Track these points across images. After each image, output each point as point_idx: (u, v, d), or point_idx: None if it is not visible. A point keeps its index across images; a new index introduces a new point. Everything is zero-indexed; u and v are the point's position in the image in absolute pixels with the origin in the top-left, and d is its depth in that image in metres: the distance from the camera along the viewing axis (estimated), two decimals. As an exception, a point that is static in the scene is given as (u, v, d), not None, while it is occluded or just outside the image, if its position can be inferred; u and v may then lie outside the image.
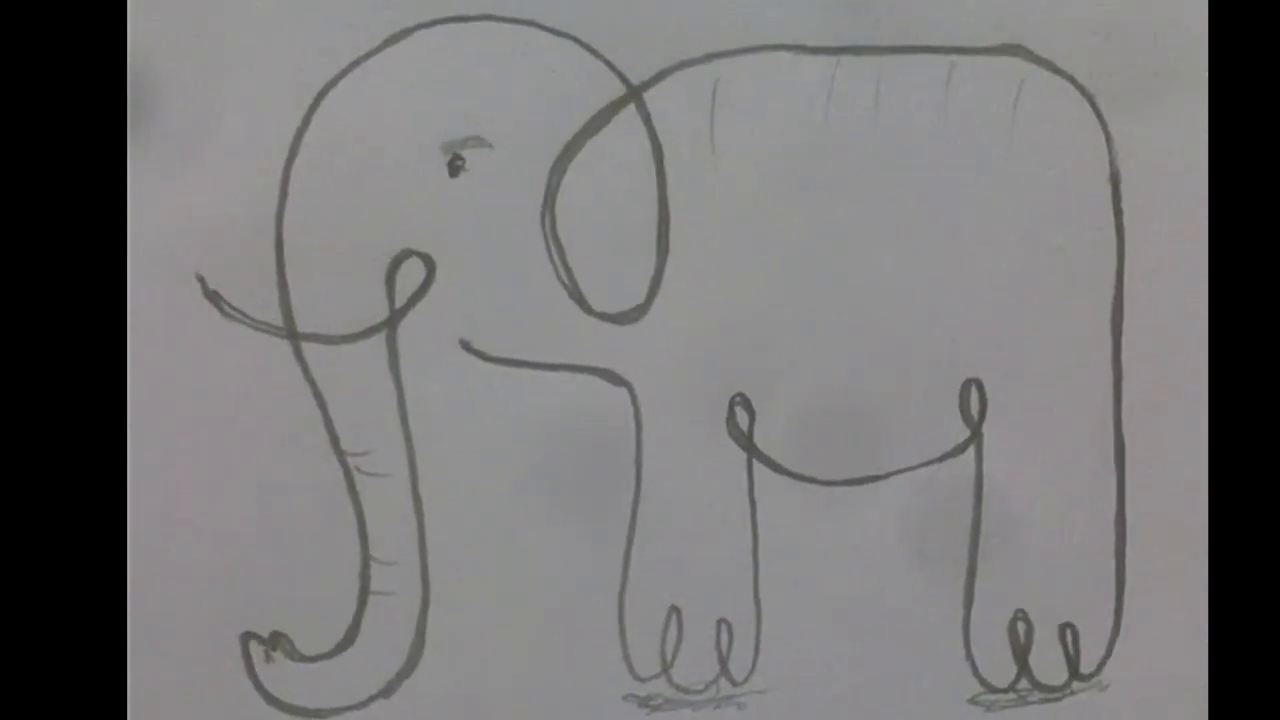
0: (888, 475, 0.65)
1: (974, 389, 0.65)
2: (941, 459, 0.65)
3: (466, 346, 0.64)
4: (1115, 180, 0.64)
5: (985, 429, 0.65)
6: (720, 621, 0.65)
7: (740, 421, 0.65)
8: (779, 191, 0.64)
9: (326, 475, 0.64)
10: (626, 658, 0.65)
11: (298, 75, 0.63)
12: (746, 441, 0.65)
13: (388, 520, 0.64)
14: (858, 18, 0.64)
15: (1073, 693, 0.66)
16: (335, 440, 0.64)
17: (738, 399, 0.65)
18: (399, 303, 0.63)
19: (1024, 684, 0.66)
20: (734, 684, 0.65)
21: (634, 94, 0.63)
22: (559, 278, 0.64)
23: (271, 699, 0.64)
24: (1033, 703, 0.66)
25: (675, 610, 0.65)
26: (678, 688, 0.65)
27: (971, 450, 0.65)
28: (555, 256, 0.64)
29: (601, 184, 0.63)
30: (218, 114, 0.63)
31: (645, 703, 0.65)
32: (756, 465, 0.65)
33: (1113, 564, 0.65)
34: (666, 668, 0.65)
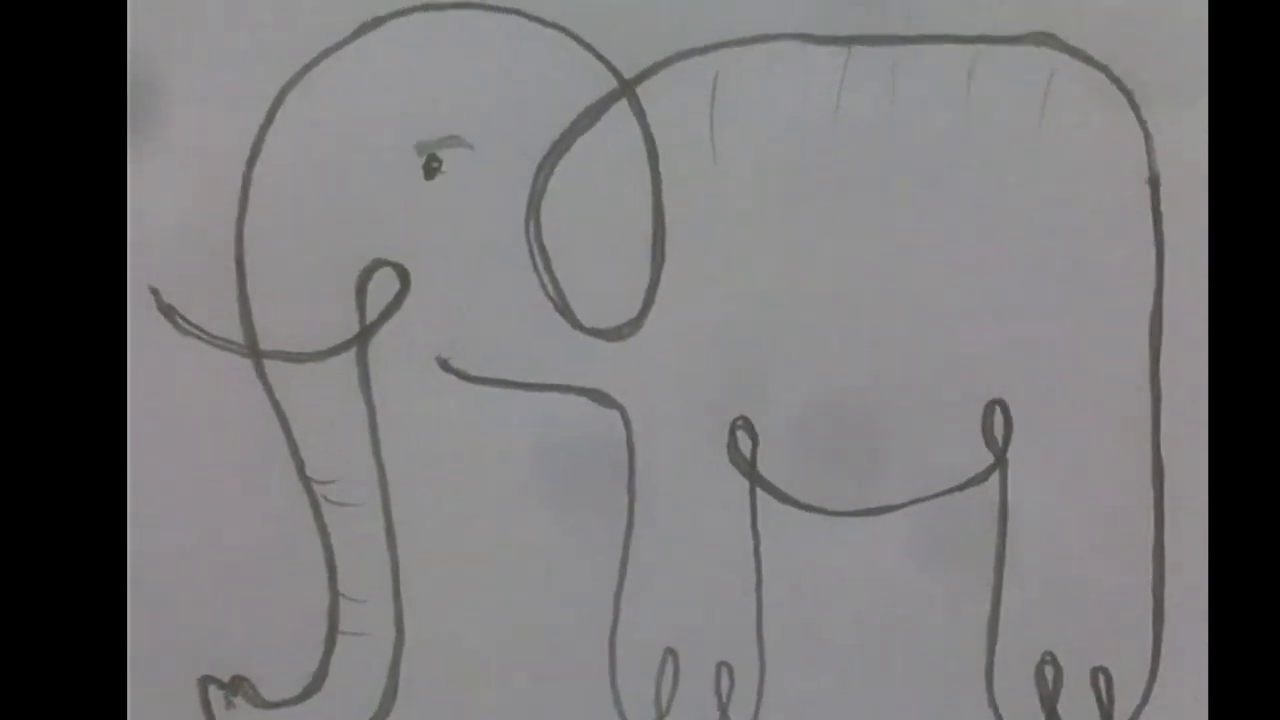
0: (903, 505, 0.65)
1: (998, 410, 0.65)
2: (962, 487, 0.65)
3: (444, 365, 0.64)
4: (1155, 183, 0.64)
5: (1010, 454, 0.65)
6: (720, 665, 0.65)
7: (742, 447, 0.64)
8: (785, 195, 0.64)
9: (291, 505, 0.64)
10: (618, 704, 0.65)
11: (259, 68, 0.63)
12: (749, 468, 0.65)
13: (358, 554, 0.65)
14: (872, 3, 0.64)
15: (1106, 742, 0.66)
16: (301, 466, 0.64)
17: (739, 422, 0.64)
18: (370, 317, 0.64)
19: (1053, 733, 0.66)
20: (735, 732, 0.66)
21: (626, 88, 0.64)
22: (545, 290, 0.64)
23: (232, 749, 0.65)
24: (1062, 754, 0.66)
25: (671, 652, 0.65)
26: (673, 736, 0.66)
27: (995, 477, 0.65)
28: (540, 266, 0.63)
29: (591, 187, 0.64)
30: (171, 110, 0.64)
31: (638, 752, 0.66)
32: (760, 494, 0.65)
33: (1150, 601, 0.65)
34: (661, 715, 0.66)
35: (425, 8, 0.64)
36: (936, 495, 0.65)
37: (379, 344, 0.64)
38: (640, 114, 0.63)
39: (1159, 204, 0.65)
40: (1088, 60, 0.64)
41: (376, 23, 0.64)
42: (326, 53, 0.64)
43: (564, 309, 0.63)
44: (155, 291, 0.64)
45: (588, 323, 0.64)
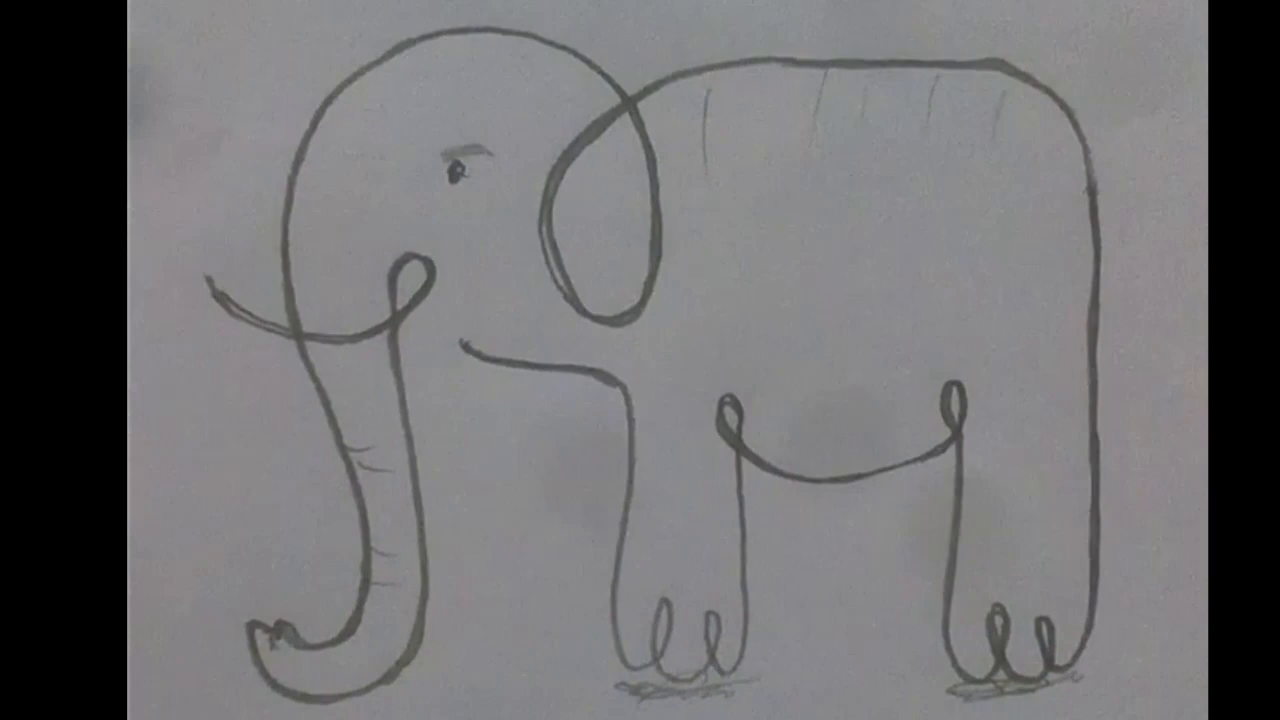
0: (872, 473, 0.66)
1: (955, 390, 0.65)
2: (924, 458, 0.66)
3: (466, 347, 0.64)
4: (1092, 191, 0.65)
5: (965, 429, 0.66)
6: (709, 613, 0.66)
7: (729, 421, 0.65)
8: (768, 199, 0.65)
9: (330, 470, 0.65)
10: (618, 648, 0.66)
11: (305, 83, 0.63)
12: (735, 440, 0.65)
13: (389, 514, 0.65)
14: (847, 31, 0.64)
15: (1048, 684, 0.66)
16: (339, 436, 0.65)
17: (727, 399, 0.65)
18: (401, 304, 0.64)
19: (1001, 675, 0.66)
20: (722, 673, 0.66)
21: (628, 104, 0.64)
22: (555, 281, 0.64)
23: (276, 685, 0.65)
24: (1010, 693, 0.66)
25: (665, 602, 0.66)
26: (668, 677, 0.66)
27: (952, 449, 0.66)
28: (552, 260, 0.64)
29: (596, 190, 0.64)
30: (227, 120, 0.64)
31: (636, 691, 0.66)
32: (745, 463, 0.65)
33: (1087, 559, 0.66)
34: (657, 658, 0.66)
35: (450, 31, 0.64)
36: (902, 465, 0.65)
37: (408, 328, 0.64)
38: (640, 126, 0.64)
39: (1096, 210, 0.65)
40: (1034, 83, 0.64)
41: (408, 44, 0.63)
42: (364, 70, 0.63)
43: (572, 298, 0.64)
44: (209, 280, 0.63)
45: (593, 310, 0.64)
